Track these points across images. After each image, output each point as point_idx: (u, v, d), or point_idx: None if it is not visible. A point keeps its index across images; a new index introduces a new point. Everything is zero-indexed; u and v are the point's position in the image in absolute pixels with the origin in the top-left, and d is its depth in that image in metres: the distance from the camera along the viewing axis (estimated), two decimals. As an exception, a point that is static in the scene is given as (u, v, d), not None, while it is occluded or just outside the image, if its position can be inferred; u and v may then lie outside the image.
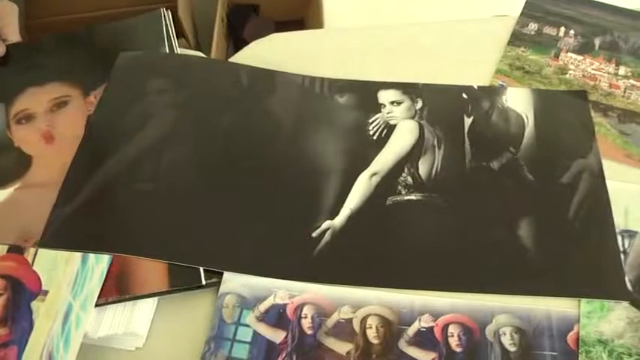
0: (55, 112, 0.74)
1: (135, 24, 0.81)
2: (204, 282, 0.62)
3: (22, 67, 0.80)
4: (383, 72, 0.78)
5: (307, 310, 0.59)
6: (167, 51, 0.79)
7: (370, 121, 0.73)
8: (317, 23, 1.24)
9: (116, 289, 0.61)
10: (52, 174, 0.69)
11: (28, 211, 0.67)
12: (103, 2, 1.17)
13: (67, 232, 0.64)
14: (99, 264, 0.62)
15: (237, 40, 1.42)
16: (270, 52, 0.82)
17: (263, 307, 0.60)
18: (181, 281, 0.62)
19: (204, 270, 0.62)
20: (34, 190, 0.68)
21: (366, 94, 0.76)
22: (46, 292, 0.60)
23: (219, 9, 1.33)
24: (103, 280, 0.60)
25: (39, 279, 0.61)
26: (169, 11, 0.79)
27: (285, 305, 0.60)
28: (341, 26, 0.94)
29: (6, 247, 0.63)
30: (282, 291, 0.61)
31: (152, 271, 0.63)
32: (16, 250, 0.63)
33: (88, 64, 0.79)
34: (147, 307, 0.61)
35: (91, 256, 0.62)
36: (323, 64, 0.80)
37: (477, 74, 0.78)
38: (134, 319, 0.60)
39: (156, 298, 0.62)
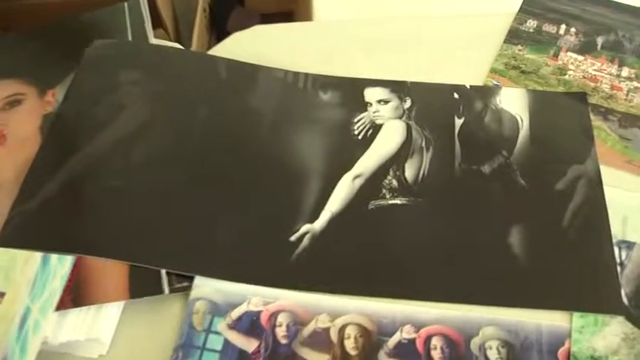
0: (7, 111, 0.75)
1: (106, 14, 0.81)
2: (166, 291, 0.62)
3: None
4: (371, 68, 0.79)
5: (282, 318, 0.60)
6: (141, 41, 0.78)
7: (355, 120, 0.75)
8: (306, 16, 1.25)
9: (71, 300, 0.61)
10: (5, 174, 0.70)
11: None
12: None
13: (27, 230, 0.65)
14: (61, 265, 0.62)
15: (220, 33, 1.43)
16: (253, 44, 0.83)
17: (235, 314, 0.60)
18: (144, 290, 0.63)
19: (174, 274, 0.63)
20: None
21: (351, 91, 0.77)
22: (2, 294, 0.61)
23: (201, -2, 1.34)
24: (65, 282, 0.61)
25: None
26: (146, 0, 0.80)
27: (258, 312, 0.61)
28: (330, 20, 0.94)
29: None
30: (256, 297, 0.62)
31: (112, 278, 0.64)
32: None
33: (48, 60, 0.79)
34: (112, 311, 0.62)
35: (53, 256, 0.63)
36: (308, 58, 0.81)
37: (470, 73, 0.80)
38: (98, 324, 0.61)
39: (122, 302, 0.61)
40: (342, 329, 0.59)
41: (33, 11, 1.21)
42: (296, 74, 0.79)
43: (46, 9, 1.09)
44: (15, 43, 0.82)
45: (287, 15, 1.43)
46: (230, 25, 1.41)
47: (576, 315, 0.62)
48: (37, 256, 0.63)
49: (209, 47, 0.90)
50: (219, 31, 1.44)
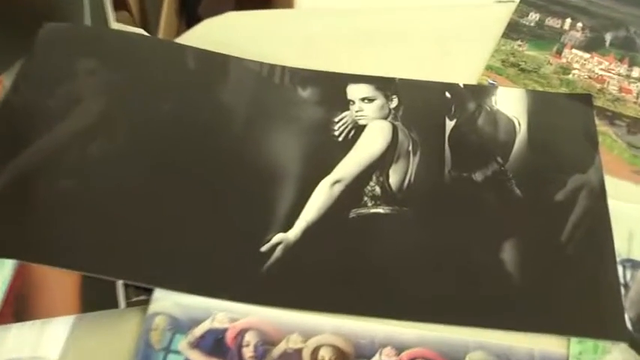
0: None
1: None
2: (122, 305, 0.63)
3: None
4: (354, 63, 0.81)
5: (250, 337, 0.61)
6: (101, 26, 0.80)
7: (336, 119, 0.76)
8: (286, 3, 1.26)
9: (12, 314, 0.61)
10: None
11: None
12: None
13: None
14: (1, 271, 0.62)
15: (191, 18, 1.44)
16: (226, 32, 0.85)
17: (198, 331, 0.61)
18: (96, 304, 0.64)
19: (131, 286, 0.64)
20: None
21: (333, 87, 0.79)
22: None
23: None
24: (5, 291, 0.61)
25: None
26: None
27: (224, 330, 0.62)
28: (312, 7, 0.95)
29: None
30: (222, 313, 0.63)
31: (61, 289, 0.64)
32: None
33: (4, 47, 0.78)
34: (60, 327, 0.62)
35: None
36: (286, 50, 0.82)
37: (463, 70, 0.81)
38: (43, 341, 0.61)
39: (71, 317, 0.62)
40: (315, 351, 0.60)
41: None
42: (272, 67, 0.80)
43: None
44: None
45: (264, 1, 1.43)
46: (202, 9, 1.41)
47: (574, 340, 0.62)
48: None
49: (178, 34, 0.90)
50: (189, 16, 1.44)
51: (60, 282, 0.64)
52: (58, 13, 0.80)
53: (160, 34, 1.20)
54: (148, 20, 1.33)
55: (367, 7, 0.92)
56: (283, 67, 0.80)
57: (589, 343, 0.62)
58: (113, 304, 0.64)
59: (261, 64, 0.80)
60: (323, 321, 0.63)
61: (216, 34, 0.84)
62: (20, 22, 0.80)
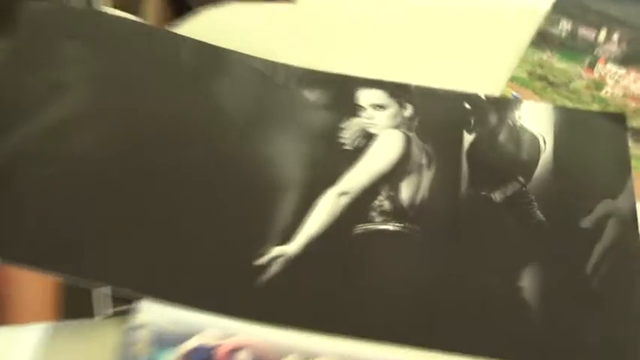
0: None
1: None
2: (101, 315, 0.68)
3: None
4: (367, 65, 0.85)
5: (243, 357, 0.65)
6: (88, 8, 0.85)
7: (344, 126, 0.80)
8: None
9: None
10: None
11: None
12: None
13: None
14: None
15: (180, 7, 1.48)
16: (225, 25, 0.89)
17: (186, 347, 0.66)
18: (72, 312, 0.68)
19: (112, 296, 0.68)
20: None
21: (342, 91, 0.83)
22: None
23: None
24: None
25: None
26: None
27: (214, 347, 0.66)
28: (320, 2, 1.00)
29: None
30: (213, 329, 0.67)
31: (33, 294, 0.68)
32: None
33: None
34: (30, 335, 0.67)
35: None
36: (291, 47, 0.86)
37: (486, 80, 0.85)
38: (11, 351, 0.66)
39: (43, 325, 0.67)
40: (316, 373, 0.65)
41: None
42: (276, 65, 0.84)
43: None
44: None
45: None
46: (192, -1, 1.45)
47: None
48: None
49: (165, 23, 0.95)
50: (178, 3, 1.48)
51: (32, 286, 0.69)
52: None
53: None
54: (132, 7, 1.38)
55: (381, 4, 0.96)
56: (288, 66, 0.84)
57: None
58: (90, 313, 0.68)
59: (264, 61, 0.85)
60: (322, 342, 0.67)
61: (215, 26, 0.89)
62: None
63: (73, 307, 0.68)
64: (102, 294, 0.69)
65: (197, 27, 0.88)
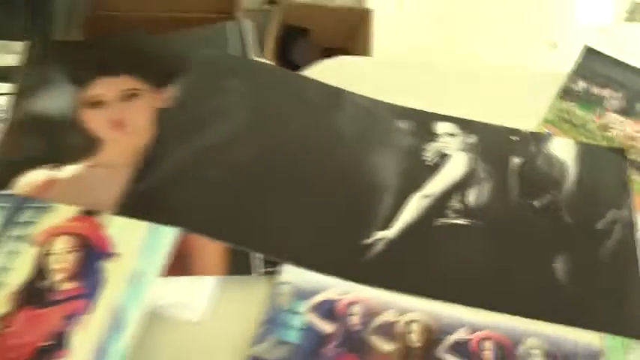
0: (125, 102, 0.81)
1: (209, 32, 0.89)
2: (256, 273, 0.70)
3: (94, 57, 0.88)
4: (437, 104, 0.86)
5: (356, 309, 0.66)
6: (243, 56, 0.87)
7: (426, 148, 0.81)
8: (364, 53, 1.33)
9: (173, 269, 0.68)
10: (122, 157, 0.77)
11: (99, 186, 0.75)
12: (169, 5, 1.25)
13: (139, 204, 0.72)
14: (167, 236, 0.69)
15: (285, 61, 1.50)
16: (337, 71, 0.92)
17: (316, 299, 0.67)
18: (236, 270, 0.70)
19: (264, 259, 0.70)
20: (104, 169, 0.76)
21: (423, 123, 0.84)
22: (115, 255, 0.68)
23: (273, 27, 1.42)
24: (169, 251, 0.69)
25: (109, 242, 0.69)
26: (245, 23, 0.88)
27: (336, 301, 0.67)
28: (388, 53, 1.01)
29: (78, 210, 0.71)
30: (334, 288, 0.68)
31: (209, 254, 0.71)
32: (88, 213, 0.71)
33: (161, 64, 0.86)
34: (207, 283, 0.69)
35: (160, 227, 0.70)
36: (382, 89, 0.87)
37: (527, 120, 0.86)
38: (194, 293, 0.68)
39: (216, 277, 0.69)
40: (407, 324, 0.65)
41: (128, 22, 1.29)
42: (376, 102, 0.85)
43: (140, 21, 1.16)
44: (130, 46, 0.87)
45: (345, 51, 1.50)
46: (294, 55, 1.47)
47: (607, 337, 0.68)
48: (147, 225, 0.70)
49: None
50: (284, 59, 1.51)
51: (209, 249, 0.71)
52: (207, 46, 0.86)
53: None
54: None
55: (445, 62, 0.96)
56: (384, 103, 0.86)
57: (618, 340, 0.69)
58: (248, 271, 0.70)
59: (368, 98, 0.86)
60: (415, 302, 0.69)
61: (330, 71, 0.91)
62: (179, 49, 0.87)
63: (236, 266, 0.71)
64: (257, 258, 0.71)
65: (318, 72, 0.89)
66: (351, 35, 1.48)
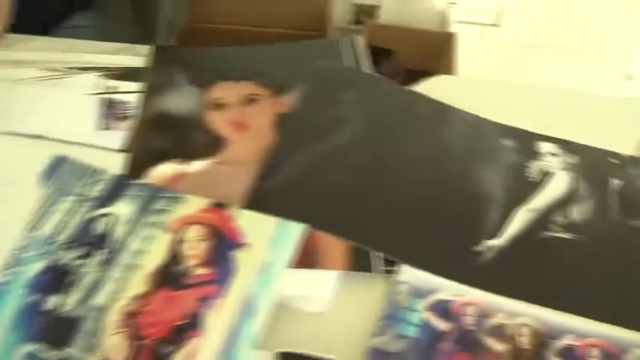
0: (245, 106, 0.87)
1: (323, 46, 0.95)
2: (377, 271, 0.74)
3: (215, 63, 0.95)
4: (539, 126, 0.90)
5: (470, 310, 0.70)
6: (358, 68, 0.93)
7: (529, 165, 0.84)
8: (447, 70, 1.37)
9: (300, 262, 0.73)
10: (245, 155, 0.82)
11: (225, 181, 0.80)
12: (262, 20, 1.31)
13: (266, 200, 0.77)
14: (294, 231, 0.74)
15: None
16: (437, 89, 0.94)
17: (432, 298, 0.71)
18: (358, 266, 0.74)
19: (384, 259, 0.74)
20: (229, 166, 0.81)
21: (526, 141, 0.88)
22: (246, 246, 0.73)
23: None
24: (296, 245, 0.73)
25: (239, 233, 0.73)
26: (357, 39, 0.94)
27: (451, 301, 0.71)
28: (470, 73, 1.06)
29: (209, 202, 0.76)
30: (449, 289, 0.72)
31: (334, 251, 0.75)
32: (217, 205, 0.75)
33: (278, 73, 0.92)
34: (330, 277, 0.73)
35: (288, 222, 0.74)
36: (482, 107, 0.91)
37: (624, 144, 0.90)
38: (319, 286, 0.72)
39: (339, 272, 0.73)
40: (517, 327, 0.69)
41: (224, 34, 1.35)
42: (481, 119, 0.89)
43: (236, 34, 1.22)
44: (250, 54, 0.93)
45: (428, 73, 1.54)
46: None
47: None
48: (275, 220, 0.75)
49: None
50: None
51: (334, 246, 0.75)
52: (321, 57, 0.92)
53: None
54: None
55: (541, 85, 1.02)
56: (489, 121, 0.90)
57: None
58: (369, 269, 0.74)
59: (473, 115, 0.90)
60: (525, 307, 0.72)
61: (432, 90, 0.94)
62: (297, 59, 0.94)
63: (357, 263, 0.75)
64: (377, 257, 0.74)
65: (425, 88, 0.92)
66: (434, 57, 1.52)
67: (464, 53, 1.31)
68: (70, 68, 0.93)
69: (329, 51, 0.93)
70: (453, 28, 1.56)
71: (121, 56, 0.94)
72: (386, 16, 1.60)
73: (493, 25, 1.53)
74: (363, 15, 1.56)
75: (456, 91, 0.93)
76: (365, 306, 0.72)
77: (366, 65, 0.91)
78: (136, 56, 0.93)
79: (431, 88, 0.93)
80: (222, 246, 0.72)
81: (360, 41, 0.93)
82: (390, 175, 0.81)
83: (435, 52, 1.52)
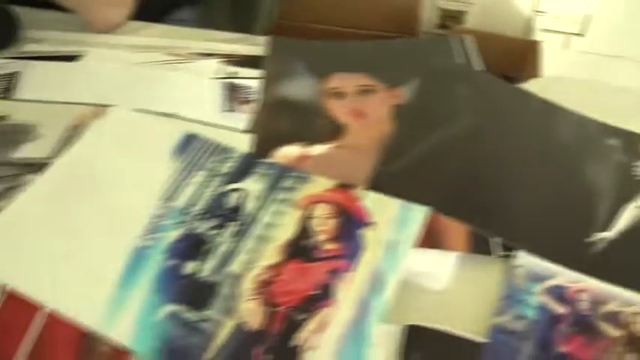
0: (361, 96, 0.91)
1: (433, 43, 0.99)
2: (495, 255, 0.77)
3: (333, 55, 1.00)
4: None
5: (584, 296, 0.73)
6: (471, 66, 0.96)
7: (636, 164, 0.87)
8: (533, 73, 1.40)
9: (424, 241, 0.76)
10: (364, 142, 0.87)
11: (346, 165, 0.84)
12: (352, 21, 1.36)
13: (389, 184, 0.81)
14: (418, 213, 0.78)
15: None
16: (540, 90, 0.97)
17: (547, 284, 0.74)
18: (477, 249, 0.77)
19: (502, 244, 0.77)
20: (349, 151, 0.85)
21: (631, 142, 0.90)
22: (372, 224, 0.76)
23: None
24: (420, 226, 0.77)
25: (365, 212, 0.77)
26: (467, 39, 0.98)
27: (566, 287, 0.74)
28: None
29: (334, 183, 0.80)
30: (564, 276, 0.75)
31: (455, 233, 0.78)
32: (344, 186, 0.79)
33: (392, 67, 0.97)
34: (452, 257, 0.76)
35: (411, 205, 0.78)
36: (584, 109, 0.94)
37: None
38: (440, 265, 0.75)
39: (460, 253, 0.76)
40: (633, 315, 0.72)
41: (312, 34, 1.39)
42: (585, 118, 0.93)
43: (324, 35, 1.27)
44: (367, 47, 0.97)
45: (512, 80, 1.57)
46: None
47: None
48: (399, 202, 0.79)
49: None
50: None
51: (455, 228, 0.79)
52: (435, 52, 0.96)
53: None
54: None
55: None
56: (592, 120, 0.93)
57: None
58: (487, 252, 0.77)
59: (578, 114, 0.93)
60: (638, 297, 0.74)
61: (542, 86, 0.97)
62: (410, 54, 0.97)
63: (477, 246, 0.78)
64: (496, 241, 0.77)
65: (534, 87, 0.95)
66: (517, 64, 1.55)
67: (547, 61, 1.34)
68: (191, 54, 0.97)
69: (440, 48, 0.97)
70: (538, 36, 1.59)
71: (240, 45, 0.99)
72: (472, 22, 1.64)
73: (578, 34, 1.56)
74: (449, 19, 1.59)
75: (557, 92, 0.96)
76: (483, 286, 0.75)
77: (477, 63, 0.94)
78: (253, 45, 0.98)
79: (534, 88, 0.96)
80: (350, 224, 0.75)
81: (471, 41, 0.96)
82: (506, 167, 0.84)
83: (519, 59, 1.55)
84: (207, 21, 1.22)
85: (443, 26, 1.61)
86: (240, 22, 1.24)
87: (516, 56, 1.54)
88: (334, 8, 1.42)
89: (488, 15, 1.65)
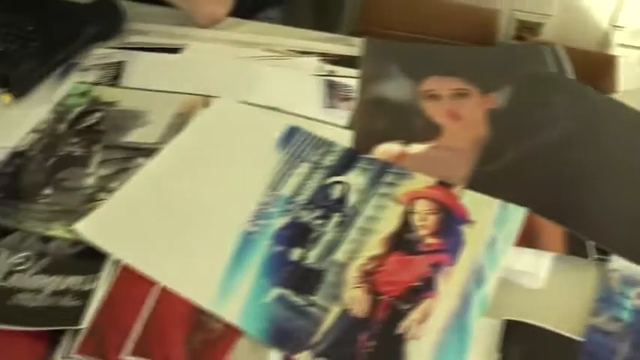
0: (456, 99, 0.93)
1: (526, 51, 1.02)
2: (591, 258, 0.78)
3: (428, 58, 1.03)
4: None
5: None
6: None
7: None
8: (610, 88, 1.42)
9: (522, 240, 0.78)
10: (461, 143, 0.89)
11: (444, 164, 0.86)
12: (438, 31, 1.38)
13: (487, 184, 0.83)
14: (516, 213, 0.80)
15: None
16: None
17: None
18: (574, 251, 0.79)
19: (596, 247, 0.78)
20: (446, 151, 0.88)
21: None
22: (471, 222, 0.79)
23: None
24: (519, 225, 0.79)
25: (465, 210, 0.79)
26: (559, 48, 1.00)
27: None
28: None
29: (434, 180, 0.83)
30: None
31: (551, 234, 0.80)
32: (443, 184, 0.82)
33: (487, 72, 1.00)
34: (549, 257, 0.78)
35: (510, 205, 0.80)
36: None
37: None
38: (538, 264, 0.77)
39: (557, 254, 0.78)
40: None
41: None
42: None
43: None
44: (458, 53, 1.01)
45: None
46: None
47: None
48: (498, 202, 0.81)
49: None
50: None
51: (552, 230, 0.80)
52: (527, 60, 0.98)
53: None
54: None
55: None
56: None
57: None
58: (584, 255, 0.78)
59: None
60: None
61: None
62: (503, 61, 0.99)
63: (574, 248, 0.79)
64: (591, 243, 0.78)
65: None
66: (593, 78, 1.56)
67: (624, 76, 1.35)
68: (289, 51, 1.01)
69: (532, 56, 0.99)
70: (614, 50, 1.60)
71: (333, 44, 1.02)
72: (548, 34, 1.66)
73: (655, 50, 1.58)
74: (526, 31, 1.61)
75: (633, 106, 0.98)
76: (579, 287, 0.76)
77: (570, 72, 0.96)
78: (347, 45, 1.01)
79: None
80: (450, 220, 0.78)
81: (563, 51, 0.98)
82: (599, 174, 0.86)
83: (595, 72, 1.56)
84: (292, 20, 1.26)
85: (519, 37, 1.62)
86: (323, 22, 1.27)
87: (593, 70, 1.55)
88: (412, 16, 1.45)
89: (565, 28, 1.66)
